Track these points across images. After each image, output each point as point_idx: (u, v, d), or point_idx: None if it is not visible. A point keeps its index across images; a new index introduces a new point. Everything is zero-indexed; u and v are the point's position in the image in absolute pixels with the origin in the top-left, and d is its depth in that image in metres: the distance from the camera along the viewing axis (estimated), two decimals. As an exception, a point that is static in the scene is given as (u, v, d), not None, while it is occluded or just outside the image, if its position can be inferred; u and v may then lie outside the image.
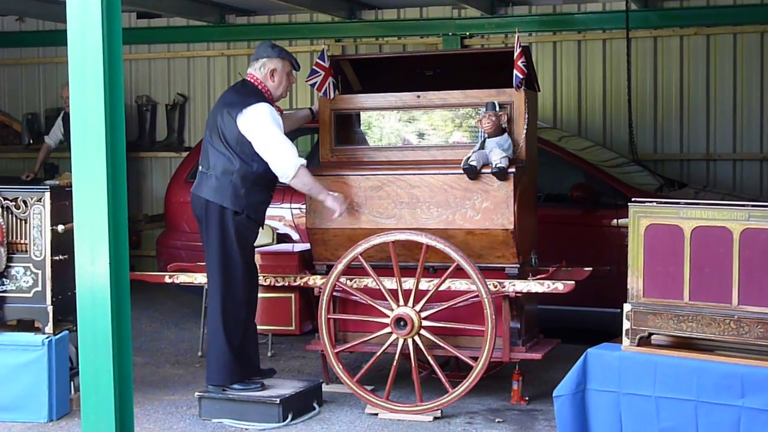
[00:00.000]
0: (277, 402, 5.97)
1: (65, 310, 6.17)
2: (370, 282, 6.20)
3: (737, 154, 9.71)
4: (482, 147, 6.10)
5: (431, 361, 6.09)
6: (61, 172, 10.20)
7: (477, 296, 5.96)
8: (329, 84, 6.46)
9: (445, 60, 7.15)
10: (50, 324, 6.10)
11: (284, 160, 6.03)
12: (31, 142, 11.50)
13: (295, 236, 8.03)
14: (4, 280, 6.17)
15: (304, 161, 6.08)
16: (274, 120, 6.04)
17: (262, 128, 6.01)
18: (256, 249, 6.34)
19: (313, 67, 6.46)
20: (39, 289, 6.13)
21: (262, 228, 6.31)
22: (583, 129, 10.07)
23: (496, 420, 6.05)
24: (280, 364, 7.35)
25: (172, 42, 11.40)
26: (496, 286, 6.04)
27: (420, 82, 6.67)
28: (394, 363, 6.13)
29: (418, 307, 6.05)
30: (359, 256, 6.11)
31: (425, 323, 6.06)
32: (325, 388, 6.49)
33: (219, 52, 11.20)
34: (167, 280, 6.81)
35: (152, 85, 11.48)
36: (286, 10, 10.67)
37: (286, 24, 10.95)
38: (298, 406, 6.08)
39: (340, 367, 6.19)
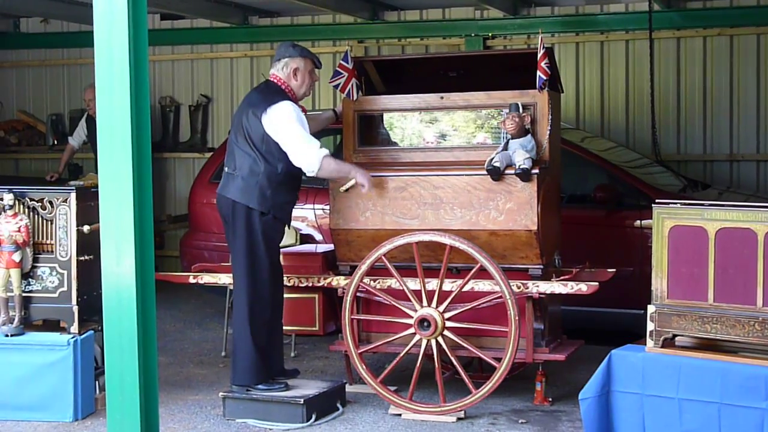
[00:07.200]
0: (301, 402, 5.99)
1: (90, 310, 6.22)
2: (393, 283, 6.21)
3: (761, 154, 9.67)
4: (505, 148, 6.11)
5: (454, 362, 6.10)
6: (85, 172, 10.24)
7: (500, 297, 5.96)
8: (352, 85, 6.47)
9: (468, 61, 7.15)
10: (75, 324, 6.15)
11: (308, 154, 6.03)
12: (56, 143, 11.60)
13: (319, 237, 8.05)
14: (30, 280, 6.22)
15: (327, 151, 6.08)
16: (298, 118, 6.06)
17: (285, 126, 6.03)
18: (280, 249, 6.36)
19: (337, 68, 6.47)
20: (65, 289, 6.18)
21: (288, 228, 6.33)
22: (606, 130, 10.04)
23: (520, 421, 6.05)
24: (304, 365, 7.37)
25: (196, 43, 11.45)
26: (519, 287, 6.04)
27: (443, 83, 6.67)
28: (418, 363, 6.14)
29: (441, 308, 6.06)
30: (383, 257, 6.12)
31: (449, 324, 6.07)
32: (348, 388, 6.50)
33: (242, 53, 11.24)
34: (192, 280, 6.84)
35: (176, 86, 11.53)
36: (309, 12, 10.70)
37: (309, 25, 10.97)
38: (321, 406, 6.10)
39: (364, 367, 6.21)
